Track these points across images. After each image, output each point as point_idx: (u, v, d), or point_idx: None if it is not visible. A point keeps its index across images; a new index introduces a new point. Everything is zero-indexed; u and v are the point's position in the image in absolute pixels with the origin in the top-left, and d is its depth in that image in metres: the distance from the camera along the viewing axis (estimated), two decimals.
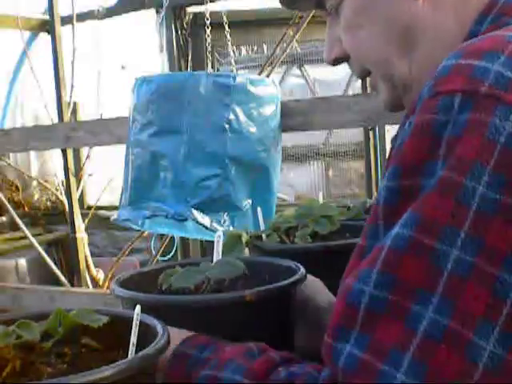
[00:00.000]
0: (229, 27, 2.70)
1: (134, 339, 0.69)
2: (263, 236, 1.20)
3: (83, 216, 3.30)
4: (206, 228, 1.90)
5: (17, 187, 4.77)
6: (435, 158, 0.57)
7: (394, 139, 0.69)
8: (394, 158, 0.61)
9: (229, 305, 0.82)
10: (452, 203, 0.55)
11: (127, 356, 0.67)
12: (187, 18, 3.85)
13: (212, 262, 0.95)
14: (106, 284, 3.40)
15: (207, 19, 2.46)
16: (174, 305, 0.84)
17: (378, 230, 0.61)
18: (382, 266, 0.57)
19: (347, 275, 0.62)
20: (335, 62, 0.82)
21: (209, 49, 2.55)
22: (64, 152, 2.98)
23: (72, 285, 3.51)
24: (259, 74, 2.87)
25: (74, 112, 3.91)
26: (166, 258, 3.40)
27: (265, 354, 0.69)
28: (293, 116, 2.10)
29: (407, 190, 0.59)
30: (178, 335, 0.76)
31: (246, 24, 3.86)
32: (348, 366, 0.56)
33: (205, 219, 1.89)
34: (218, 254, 0.96)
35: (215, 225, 1.90)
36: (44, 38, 4.41)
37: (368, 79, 0.84)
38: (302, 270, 0.93)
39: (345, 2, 0.77)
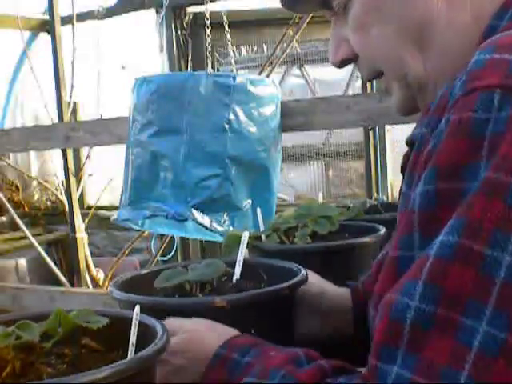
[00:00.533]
0: (229, 27, 2.70)
1: (133, 339, 0.69)
2: (263, 236, 1.20)
3: (83, 216, 3.30)
4: (206, 228, 1.90)
5: (17, 187, 4.77)
6: (477, 159, 0.54)
7: (410, 141, 0.66)
8: (430, 160, 0.57)
9: (204, 309, 0.82)
10: (501, 205, 0.51)
11: (127, 356, 0.67)
12: (187, 18, 3.85)
13: (235, 261, 0.95)
14: (106, 284, 3.40)
15: (207, 19, 2.46)
16: (160, 308, 0.83)
17: (413, 239, 0.57)
18: (427, 277, 0.52)
19: (381, 290, 0.58)
20: (342, 63, 0.79)
21: (209, 49, 2.55)
22: (64, 152, 2.98)
23: (72, 285, 3.51)
24: (259, 74, 2.87)
25: (74, 112, 3.91)
26: (165, 258, 3.40)
27: (314, 362, 0.65)
28: (293, 116, 2.10)
29: (446, 195, 0.55)
30: (221, 331, 0.74)
31: (246, 24, 3.85)
32: None
33: (205, 219, 1.89)
34: (241, 254, 0.96)
35: (215, 225, 1.90)
36: (44, 38, 4.41)
37: (371, 81, 0.83)
38: (303, 272, 0.92)
39: None
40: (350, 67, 0.83)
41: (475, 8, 0.68)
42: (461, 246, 0.52)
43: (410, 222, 0.57)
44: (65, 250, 4.44)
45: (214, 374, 0.70)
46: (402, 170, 0.71)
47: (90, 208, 3.91)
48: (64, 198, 3.84)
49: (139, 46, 4.05)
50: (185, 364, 0.75)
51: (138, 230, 2.96)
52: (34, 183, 4.78)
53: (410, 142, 0.67)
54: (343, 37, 0.77)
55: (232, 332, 0.76)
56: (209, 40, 2.50)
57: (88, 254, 3.34)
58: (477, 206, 0.52)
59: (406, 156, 0.70)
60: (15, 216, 3.63)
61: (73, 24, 3.60)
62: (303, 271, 0.92)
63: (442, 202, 0.55)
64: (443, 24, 0.69)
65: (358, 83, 3.88)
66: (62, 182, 3.96)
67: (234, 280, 0.94)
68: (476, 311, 0.50)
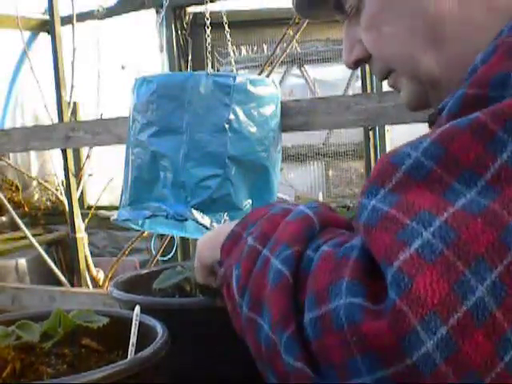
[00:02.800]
0: (229, 27, 2.70)
1: (133, 339, 0.69)
2: None
3: (83, 216, 3.30)
4: (206, 228, 1.90)
5: (17, 187, 4.77)
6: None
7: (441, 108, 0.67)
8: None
9: (204, 309, 0.82)
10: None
11: (127, 356, 0.67)
12: (187, 18, 3.85)
13: None
14: (106, 284, 3.40)
15: (207, 19, 2.46)
16: (160, 308, 0.84)
17: None
18: (437, 136, 0.53)
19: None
20: (355, 63, 0.80)
21: (209, 49, 2.55)
22: (64, 152, 2.98)
23: (72, 285, 3.51)
24: (259, 74, 2.87)
25: (74, 112, 3.91)
26: (165, 258, 3.40)
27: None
28: (293, 116, 2.09)
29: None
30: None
31: (246, 24, 3.85)
32: (370, 219, 0.52)
33: (205, 219, 1.89)
34: None
35: (215, 225, 1.90)
36: (44, 37, 4.41)
37: (385, 79, 0.82)
38: None
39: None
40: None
41: (491, 6, 0.69)
42: (475, 121, 0.52)
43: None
44: (65, 249, 4.44)
45: (254, 213, 0.72)
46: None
47: (90, 208, 3.90)
48: (64, 198, 3.84)
49: (139, 46, 4.05)
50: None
51: (138, 230, 2.96)
52: (34, 183, 4.78)
53: (440, 111, 0.67)
54: (356, 38, 0.78)
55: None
56: (209, 40, 2.50)
57: (88, 254, 3.33)
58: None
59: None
60: (15, 216, 3.63)
61: (73, 24, 3.60)
62: None
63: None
64: (456, 21, 0.70)
65: (358, 83, 3.88)
66: (62, 182, 3.96)
67: None
68: (469, 180, 0.51)
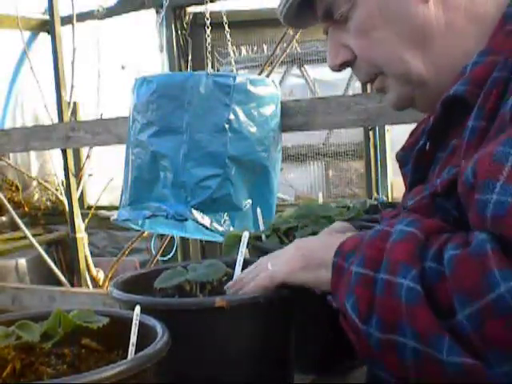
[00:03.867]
0: (229, 27, 2.70)
1: (133, 339, 0.69)
2: (263, 236, 1.20)
3: (83, 216, 3.30)
4: (206, 228, 1.90)
5: (17, 187, 4.77)
6: None
7: (453, 96, 0.72)
8: None
9: (204, 309, 0.82)
10: None
11: (127, 357, 0.67)
12: (187, 17, 3.85)
13: (235, 261, 0.95)
14: (106, 284, 3.40)
15: (207, 19, 2.46)
16: (161, 308, 0.83)
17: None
18: None
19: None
20: (341, 66, 0.85)
21: (209, 49, 2.55)
22: (64, 152, 2.98)
23: (72, 285, 3.51)
24: (259, 74, 2.87)
25: (74, 112, 3.91)
26: (166, 258, 3.40)
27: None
28: (293, 116, 2.09)
29: None
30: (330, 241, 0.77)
31: (246, 24, 3.85)
32: (497, 211, 0.59)
33: (205, 219, 1.89)
34: (241, 254, 0.96)
35: (215, 225, 1.90)
36: (44, 37, 4.41)
37: (367, 82, 0.86)
38: None
39: (357, 7, 0.80)
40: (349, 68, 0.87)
41: (470, 11, 0.76)
42: None
43: (503, 120, 0.65)
44: (65, 249, 4.44)
45: (350, 240, 0.74)
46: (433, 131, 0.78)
47: (90, 208, 3.90)
48: (64, 198, 3.84)
49: (139, 46, 4.05)
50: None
51: (138, 230, 2.96)
52: (34, 183, 4.77)
53: (451, 98, 0.73)
54: (342, 43, 0.84)
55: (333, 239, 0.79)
56: (209, 40, 2.50)
57: (88, 254, 3.33)
58: None
59: (438, 118, 0.76)
60: (15, 216, 3.63)
61: (73, 24, 3.60)
62: None
63: None
64: (442, 27, 0.76)
65: (358, 83, 3.88)
66: (62, 182, 3.96)
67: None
68: None
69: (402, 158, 0.89)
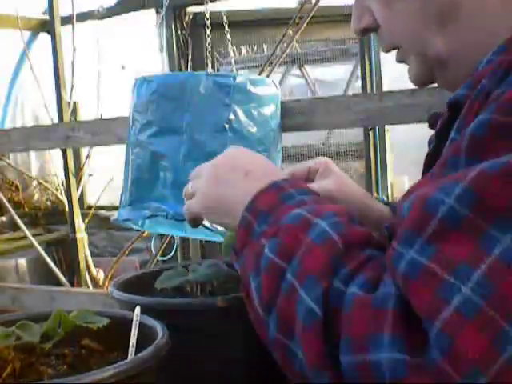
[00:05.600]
0: (229, 27, 2.70)
1: (133, 340, 0.69)
2: None
3: (83, 216, 3.30)
4: (206, 228, 1.89)
5: (17, 187, 4.77)
6: None
7: (453, 101, 0.67)
8: (491, 103, 0.58)
9: (205, 310, 0.82)
10: None
11: (127, 357, 0.67)
12: (187, 17, 3.85)
13: None
14: (106, 284, 3.40)
15: (207, 19, 2.46)
16: (161, 308, 0.83)
17: (460, 161, 0.58)
18: (469, 182, 0.53)
19: (417, 188, 0.59)
20: (363, 31, 0.80)
21: (209, 49, 2.55)
22: (64, 152, 2.98)
23: (72, 285, 3.50)
24: (259, 74, 2.86)
25: (74, 112, 3.91)
26: (166, 258, 3.40)
27: (365, 227, 0.66)
28: (293, 116, 2.09)
29: (503, 127, 0.56)
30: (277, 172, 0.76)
31: (246, 24, 3.85)
32: (408, 270, 0.53)
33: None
34: None
35: (215, 225, 1.90)
36: (44, 38, 4.41)
37: (389, 52, 0.81)
38: None
39: None
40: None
41: None
42: (509, 166, 0.52)
43: (458, 147, 0.59)
44: (65, 250, 4.44)
45: (266, 195, 0.70)
46: (438, 134, 0.73)
47: (90, 208, 3.90)
48: (64, 198, 3.84)
49: (139, 46, 4.05)
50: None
51: (138, 230, 2.96)
52: (34, 183, 4.77)
53: (453, 102, 0.68)
54: (366, 6, 0.78)
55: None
56: (209, 40, 2.50)
57: (88, 254, 3.33)
58: None
59: (444, 119, 0.72)
60: (15, 216, 3.63)
61: (73, 24, 3.60)
62: None
63: (496, 132, 0.56)
64: (470, 7, 0.70)
65: (358, 83, 3.88)
66: (62, 182, 3.96)
67: None
68: (506, 226, 0.51)
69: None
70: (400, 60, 0.79)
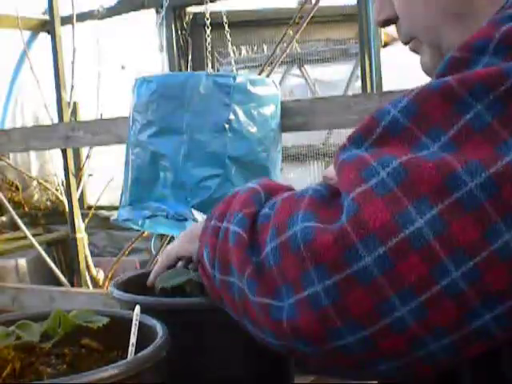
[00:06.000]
0: (229, 27, 2.70)
1: (133, 340, 0.69)
2: None
3: (83, 216, 3.30)
4: None
5: (17, 187, 4.77)
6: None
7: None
8: None
9: (205, 309, 0.82)
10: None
11: (126, 357, 0.67)
12: (187, 17, 3.85)
13: None
14: (106, 284, 3.40)
15: (207, 19, 2.46)
16: (161, 308, 0.83)
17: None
18: (413, 96, 0.59)
19: None
20: (384, 23, 0.82)
21: (209, 49, 2.55)
22: (64, 152, 2.98)
23: (72, 285, 3.51)
24: (259, 74, 2.86)
25: (74, 112, 3.91)
26: None
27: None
28: (293, 116, 2.10)
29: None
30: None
31: (246, 24, 3.86)
32: (348, 158, 0.59)
33: None
34: None
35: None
36: (44, 38, 4.41)
37: (407, 44, 0.82)
38: None
39: None
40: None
41: None
42: (448, 85, 0.57)
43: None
44: (65, 249, 4.44)
45: (219, 205, 0.80)
46: None
47: (90, 208, 3.90)
48: (64, 198, 3.84)
49: (139, 46, 4.05)
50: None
51: (138, 230, 2.96)
52: (34, 183, 4.78)
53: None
54: None
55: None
56: (209, 40, 2.50)
57: (88, 253, 3.33)
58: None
59: None
60: (15, 216, 3.63)
61: (73, 24, 3.60)
62: None
63: (452, 66, 0.61)
64: (486, 1, 0.71)
65: (358, 83, 3.88)
66: (62, 182, 3.96)
67: None
68: (435, 136, 0.57)
69: None
70: (413, 50, 0.81)
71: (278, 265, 0.61)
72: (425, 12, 0.75)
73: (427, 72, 0.81)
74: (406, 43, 0.82)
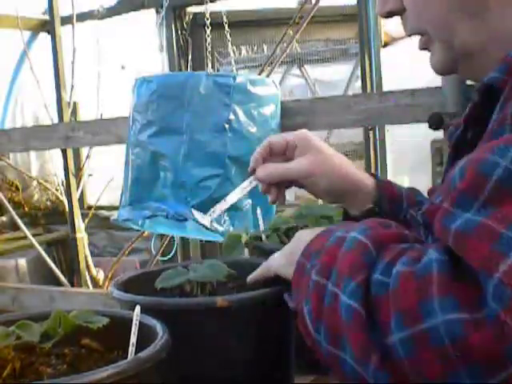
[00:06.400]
0: (229, 27, 2.70)
1: (133, 340, 0.69)
2: (263, 236, 1.20)
3: (83, 216, 3.30)
4: (206, 228, 1.90)
5: (17, 187, 4.77)
6: None
7: (486, 85, 0.66)
8: None
9: (206, 310, 0.82)
10: None
11: (127, 357, 0.67)
12: (187, 17, 3.85)
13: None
14: (106, 284, 3.40)
15: (207, 19, 2.46)
16: (161, 308, 0.83)
17: (505, 129, 0.60)
18: None
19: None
20: (388, 14, 0.78)
21: (209, 49, 2.55)
22: (64, 152, 2.98)
23: (72, 285, 3.51)
24: (259, 74, 2.86)
25: (74, 112, 3.91)
26: (166, 258, 3.40)
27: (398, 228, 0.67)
28: (293, 116, 2.10)
29: None
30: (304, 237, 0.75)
31: (246, 24, 3.85)
32: (463, 227, 0.52)
33: (205, 219, 1.89)
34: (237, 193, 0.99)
35: (215, 225, 1.90)
36: (44, 38, 4.41)
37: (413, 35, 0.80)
38: None
39: None
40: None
41: None
42: None
43: (504, 118, 0.60)
44: (65, 249, 4.44)
45: (317, 240, 0.72)
46: (468, 118, 0.72)
47: (90, 208, 3.90)
48: (64, 198, 3.84)
49: (139, 46, 4.05)
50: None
51: (138, 230, 2.96)
52: (34, 183, 4.77)
53: (486, 87, 0.67)
54: None
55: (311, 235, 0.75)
56: (209, 40, 2.50)
57: (88, 253, 3.33)
58: None
59: (475, 105, 0.70)
60: (15, 216, 3.63)
61: (73, 24, 3.60)
62: None
63: None
64: None
65: (358, 83, 3.88)
66: (62, 182, 3.96)
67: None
68: None
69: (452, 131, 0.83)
70: (423, 47, 0.78)
71: (414, 358, 0.54)
72: (438, 8, 0.72)
73: (438, 71, 0.78)
74: (410, 35, 0.79)
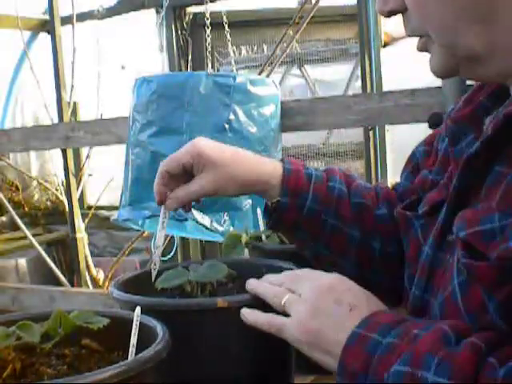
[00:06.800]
0: (229, 27, 2.70)
1: (134, 340, 0.69)
2: (263, 236, 1.20)
3: (83, 216, 3.30)
4: (206, 228, 1.89)
5: (17, 187, 4.77)
6: None
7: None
8: None
9: (206, 310, 0.82)
10: None
11: (127, 357, 0.67)
12: (187, 17, 3.85)
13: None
14: (106, 284, 3.40)
15: (207, 19, 2.46)
16: (161, 308, 0.83)
17: None
18: None
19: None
20: (390, 13, 0.75)
21: (209, 49, 2.55)
22: (64, 152, 2.98)
23: (72, 285, 3.51)
24: (259, 74, 2.86)
25: (74, 112, 3.91)
26: (166, 258, 3.40)
27: (464, 341, 0.61)
28: (293, 116, 2.09)
29: None
30: (364, 305, 0.70)
31: (246, 24, 3.85)
32: None
33: (205, 219, 1.89)
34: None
35: (215, 225, 1.90)
36: (44, 38, 4.41)
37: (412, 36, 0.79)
38: None
39: None
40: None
41: None
42: None
43: None
44: (65, 249, 4.44)
45: (353, 353, 0.66)
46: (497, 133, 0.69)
47: (90, 208, 3.90)
48: (64, 198, 3.84)
49: (139, 46, 4.05)
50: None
51: (138, 230, 2.96)
52: (34, 183, 4.78)
53: (506, 117, 0.66)
54: None
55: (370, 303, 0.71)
56: (209, 40, 2.50)
57: (88, 253, 3.33)
58: None
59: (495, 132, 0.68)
60: (15, 216, 3.63)
61: (73, 24, 3.60)
62: None
63: None
64: (509, 3, 0.66)
65: (358, 83, 3.88)
66: (62, 182, 3.96)
67: None
68: None
69: (455, 132, 0.80)
70: (422, 49, 0.75)
71: None
72: (442, 11, 0.68)
73: (437, 74, 0.75)
74: (411, 36, 0.76)
